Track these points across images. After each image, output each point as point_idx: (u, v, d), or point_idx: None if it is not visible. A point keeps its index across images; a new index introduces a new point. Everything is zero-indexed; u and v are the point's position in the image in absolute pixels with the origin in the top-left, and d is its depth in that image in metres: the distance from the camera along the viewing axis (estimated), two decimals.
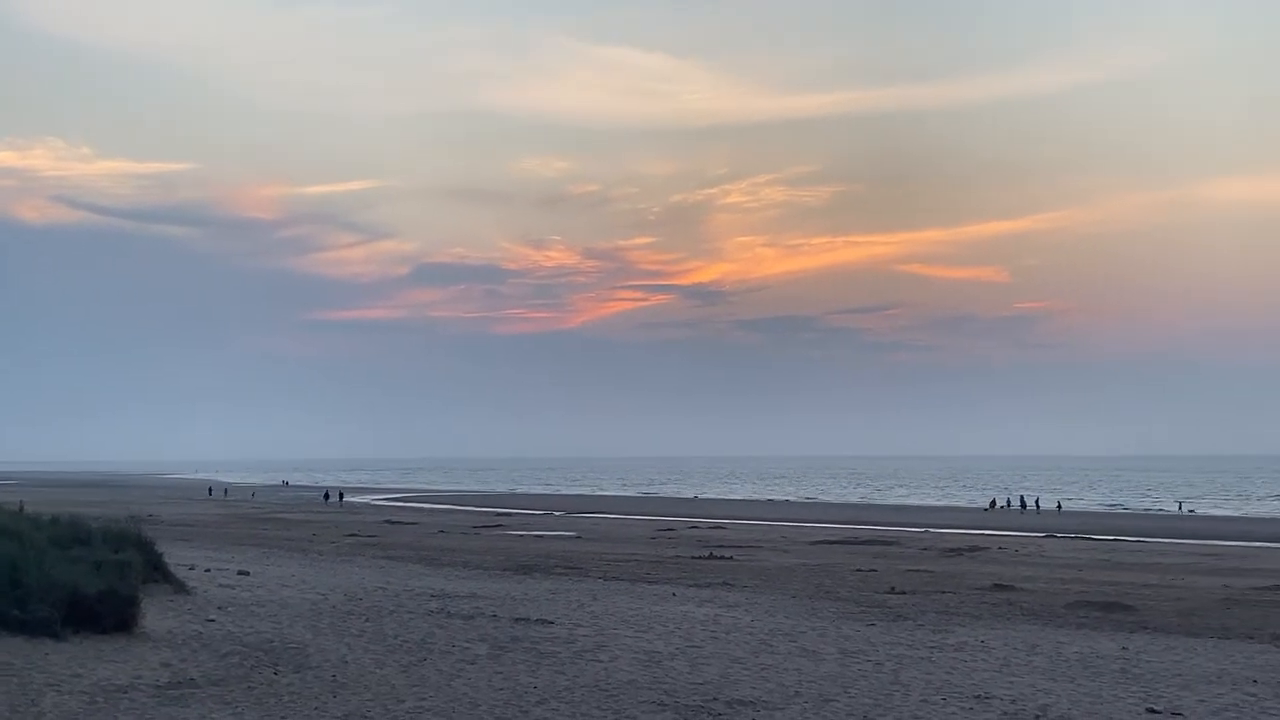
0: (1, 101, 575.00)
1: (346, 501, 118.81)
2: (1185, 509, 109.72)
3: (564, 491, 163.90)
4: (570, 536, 62.31)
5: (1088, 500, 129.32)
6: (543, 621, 22.60)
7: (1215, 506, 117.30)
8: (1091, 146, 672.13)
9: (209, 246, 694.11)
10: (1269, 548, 59.99)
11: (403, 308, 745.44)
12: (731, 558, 44.93)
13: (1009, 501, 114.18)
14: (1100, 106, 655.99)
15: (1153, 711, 15.83)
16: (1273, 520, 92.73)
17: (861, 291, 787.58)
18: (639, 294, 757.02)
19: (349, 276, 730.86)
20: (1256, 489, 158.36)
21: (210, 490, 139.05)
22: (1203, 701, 16.59)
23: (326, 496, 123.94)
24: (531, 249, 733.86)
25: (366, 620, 21.81)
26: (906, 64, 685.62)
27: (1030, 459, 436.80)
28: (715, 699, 15.75)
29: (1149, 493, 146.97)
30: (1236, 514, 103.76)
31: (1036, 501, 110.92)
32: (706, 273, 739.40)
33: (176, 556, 27.76)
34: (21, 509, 27.30)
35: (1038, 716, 15.34)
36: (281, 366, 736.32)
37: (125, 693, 14.68)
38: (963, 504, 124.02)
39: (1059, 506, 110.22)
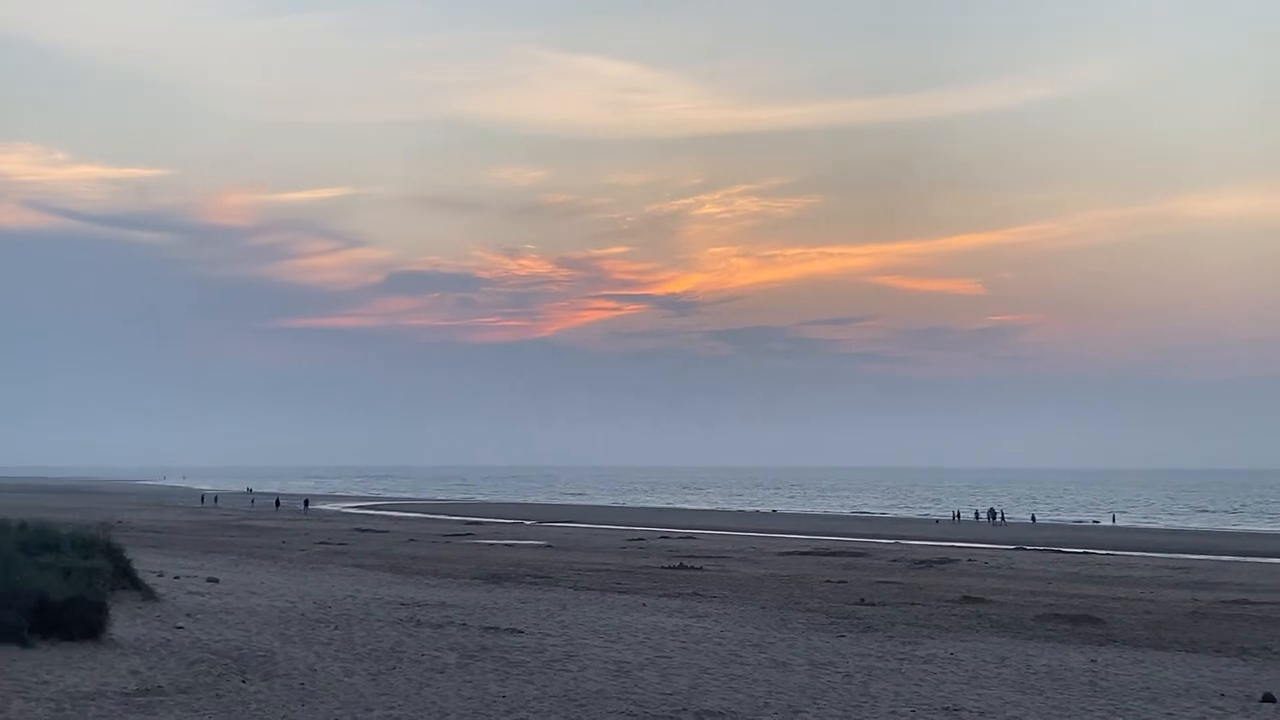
0: None
1: (316, 509, 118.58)
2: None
3: (535, 500, 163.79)
4: (541, 545, 62.28)
5: (1057, 513, 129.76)
6: (512, 630, 22.56)
7: (1182, 520, 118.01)
8: (1065, 160, 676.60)
9: (182, 253, 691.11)
10: (1237, 561, 60.37)
11: (376, 316, 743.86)
12: (701, 568, 44.98)
13: (977, 513, 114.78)
14: (1073, 121, 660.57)
15: None
16: (1240, 534, 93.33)
17: (834, 303, 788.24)
18: (612, 304, 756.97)
19: (322, 284, 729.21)
20: (1224, 503, 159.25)
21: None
22: (1170, 715, 16.65)
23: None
24: (505, 258, 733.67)
25: (335, 628, 21.73)
26: (882, 76, 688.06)
27: (1003, 471, 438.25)
28: (684, 709, 15.73)
29: (1109, 505, 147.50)
30: (1207, 528, 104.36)
31: (1002, 514, 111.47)
32: (680, 283, 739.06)
33: (146, 563, 27.60)
34: None
35: None
36: (254, 374, 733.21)
37: (93, 700, 14.59)
38: (933, 515, 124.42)
39: (1033, 519, 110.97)
